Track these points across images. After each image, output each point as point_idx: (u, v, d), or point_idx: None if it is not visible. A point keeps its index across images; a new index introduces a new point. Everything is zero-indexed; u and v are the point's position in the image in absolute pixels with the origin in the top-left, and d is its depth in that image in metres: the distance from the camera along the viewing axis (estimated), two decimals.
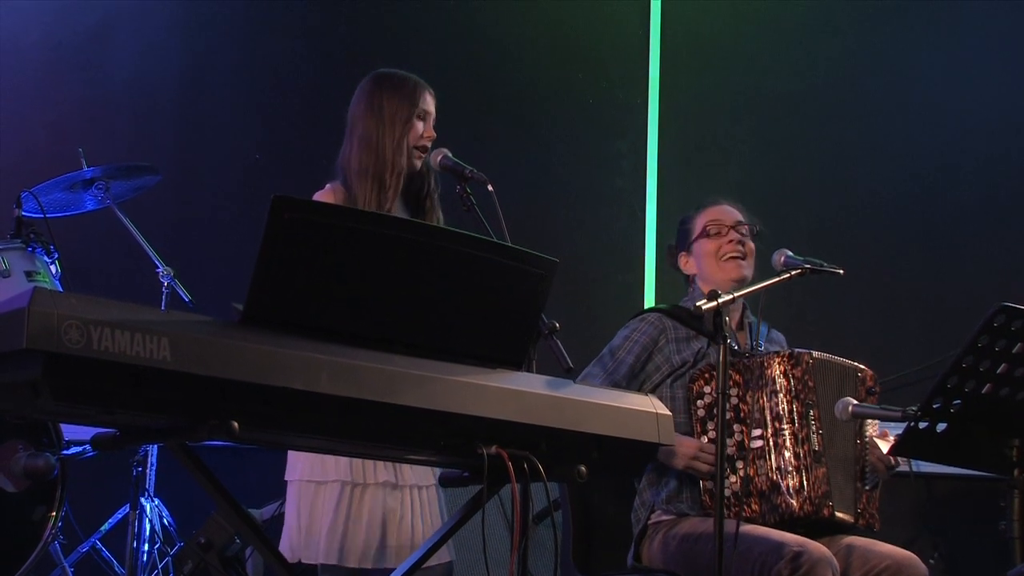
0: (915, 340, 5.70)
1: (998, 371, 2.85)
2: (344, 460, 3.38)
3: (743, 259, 3.73)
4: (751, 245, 3.76)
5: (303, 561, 3.40)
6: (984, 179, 5.91)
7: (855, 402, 3.34)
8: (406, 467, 3.44)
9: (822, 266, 3.54)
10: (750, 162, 6.06)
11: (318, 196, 3.55)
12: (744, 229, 3.77)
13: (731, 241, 3.74)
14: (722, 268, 3.73)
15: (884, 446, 3.56)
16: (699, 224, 3.80)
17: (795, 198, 5.93)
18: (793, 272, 3.52)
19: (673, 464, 3.54)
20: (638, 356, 3.68)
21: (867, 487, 3.55)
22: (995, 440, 2.97)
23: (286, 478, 3.50)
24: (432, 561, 3.24)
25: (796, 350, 3.56)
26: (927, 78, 6.02)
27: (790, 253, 3.55)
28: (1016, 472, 2.97)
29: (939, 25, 6.05)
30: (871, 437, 3.60)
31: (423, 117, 3.58)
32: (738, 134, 6.12)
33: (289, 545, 3.43)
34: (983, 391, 2.87)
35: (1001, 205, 5.86)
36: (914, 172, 5.97)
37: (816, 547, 3.28)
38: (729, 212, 3.81)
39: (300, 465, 3.45)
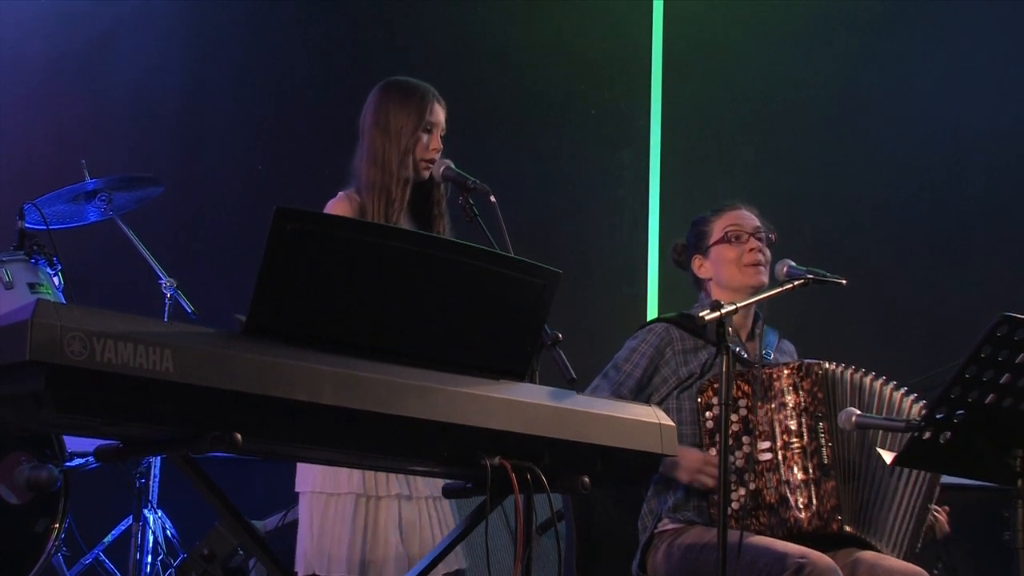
0: (918, 350, 5.69)
1: (1001, 381, 2.84)
2: (357, 472, 3.36)
3: (763, 266, 3.72)
4: (768, 253, 3.75)
5: (317, 573, 3.39)
6: (988, 189, 5.91)
7: (858, 412, 3.31)
8: (419, 479, 3.43)
9: (825, 276, 3.52)
10: (753, 172, 6.06)
11: (331, 204, 3.53)
12: (762, 235, 3.76)
13: (752, 249, 3.73)
14: (743, 274, 3.71)
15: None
16: (718, 228, 3.78)
17: (798, 208, 5.93)
18: (796, 282, 3.50)
19: (678, 477, 3.52)
20: (645, 369, 3.66)
21: (919, 545, 3.51)
22: (999, 450, 2.96)
23: (297, 489, 3.47)
24: (441, 569, 3.24)
25: (806, 361, 3.54)
26: (931, 87, 6.03)
27: (793, 263, 3.53)
28: (1020, 482, 2.95)
29: (943, 33, 6.06)
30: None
31: (430, 129, 3.55)
32: (741, 144, 6.13)
33: (304, 557, 3.41)
34: (986, 401, 2.86)
35: (1004, 215, 5.86)
36: (917, 181, 5.98)
37: (819, 557, 3.27)
38: (748, 218, 3.79)
39: (312, 477, 3.43)
